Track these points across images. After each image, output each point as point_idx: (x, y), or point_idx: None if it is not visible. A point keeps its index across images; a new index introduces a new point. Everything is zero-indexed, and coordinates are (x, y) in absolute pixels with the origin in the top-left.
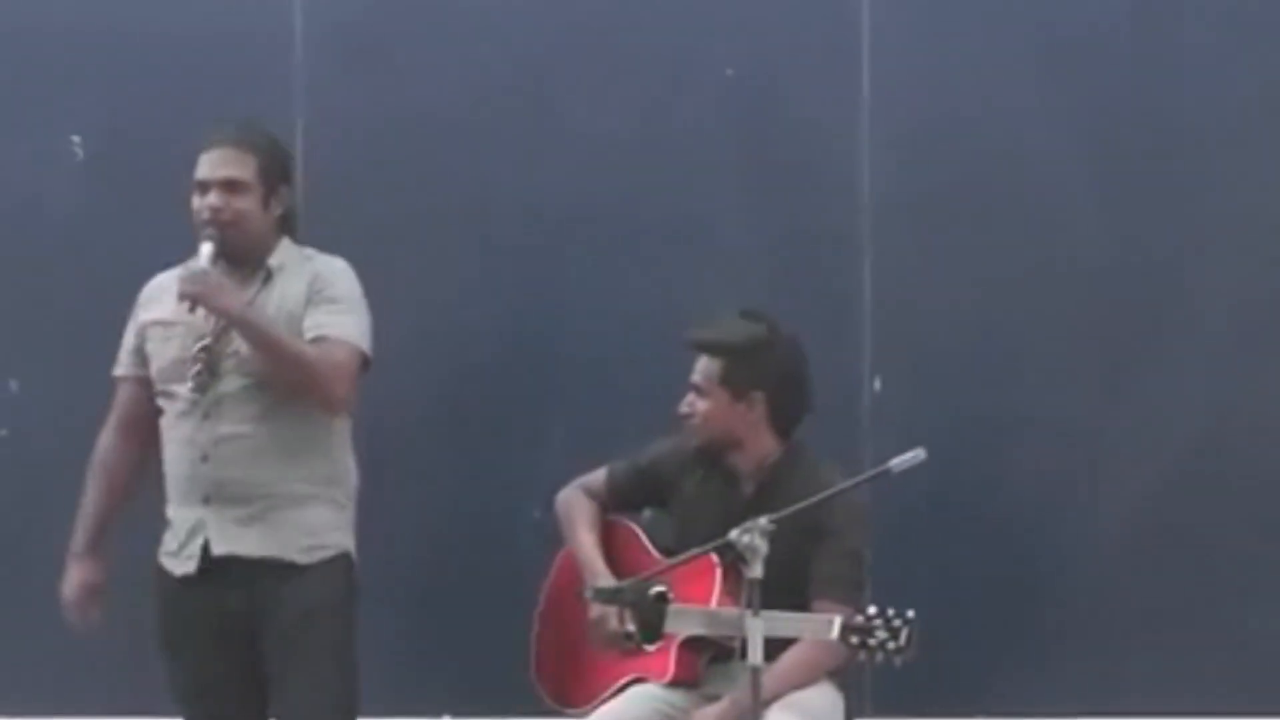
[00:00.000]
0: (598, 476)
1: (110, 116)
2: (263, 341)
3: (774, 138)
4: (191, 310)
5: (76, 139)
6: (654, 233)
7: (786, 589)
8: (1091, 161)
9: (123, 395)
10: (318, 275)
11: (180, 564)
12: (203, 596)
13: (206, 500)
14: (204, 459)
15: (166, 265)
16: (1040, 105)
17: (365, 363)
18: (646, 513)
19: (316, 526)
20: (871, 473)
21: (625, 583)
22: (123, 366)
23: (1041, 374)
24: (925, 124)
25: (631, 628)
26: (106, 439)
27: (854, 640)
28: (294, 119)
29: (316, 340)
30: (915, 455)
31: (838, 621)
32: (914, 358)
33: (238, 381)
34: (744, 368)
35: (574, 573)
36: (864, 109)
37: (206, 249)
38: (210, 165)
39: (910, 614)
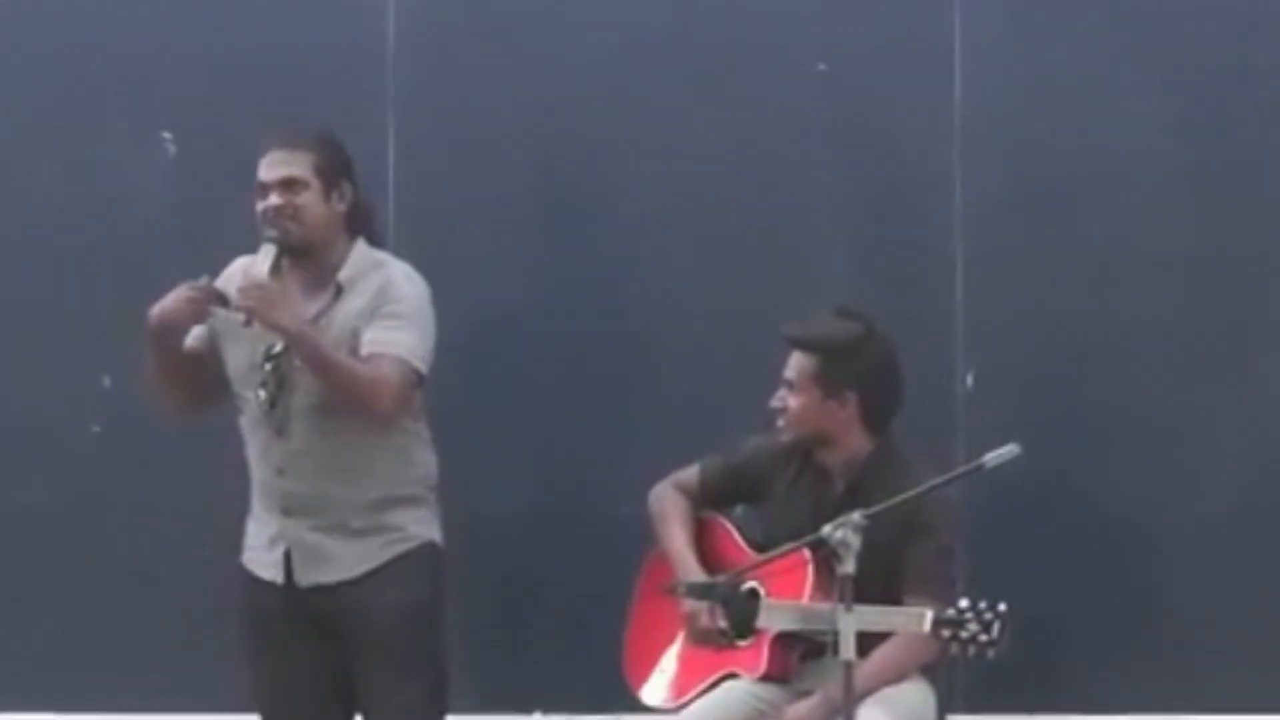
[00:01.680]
0: (690, 473)
1: (202, 114)
2: (315, 360)
3: (865, 132)
4: (247, 324)
5: (168, 135)
6: (744, 229)
7: (878, 584)
8: (1186, 152)
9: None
10: (384, 287)
11: (265, 569)
12: (286, 598)
13: (285, 512)
14: (280, 473)
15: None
16: (1134, 100)
17: (420, 379)
18: (739, 509)
19: (394, 524)
20: (965, 469)
21: (717, 578)
22: (193, 338)
23: (1137, 367)
24: (1018, 117)
25: (724, 623)
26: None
27: (946, 634)
28: (386, 124)
29: (370, 357)
30: (1009, 450)
31: (929, 615)
32: (1007, 352)
33: (309, 396)
34: (838, 366)
35: (666, 569)
36: (956, 103)
37: (268, 254)
38: (266, 168)
39: (1002, 607)
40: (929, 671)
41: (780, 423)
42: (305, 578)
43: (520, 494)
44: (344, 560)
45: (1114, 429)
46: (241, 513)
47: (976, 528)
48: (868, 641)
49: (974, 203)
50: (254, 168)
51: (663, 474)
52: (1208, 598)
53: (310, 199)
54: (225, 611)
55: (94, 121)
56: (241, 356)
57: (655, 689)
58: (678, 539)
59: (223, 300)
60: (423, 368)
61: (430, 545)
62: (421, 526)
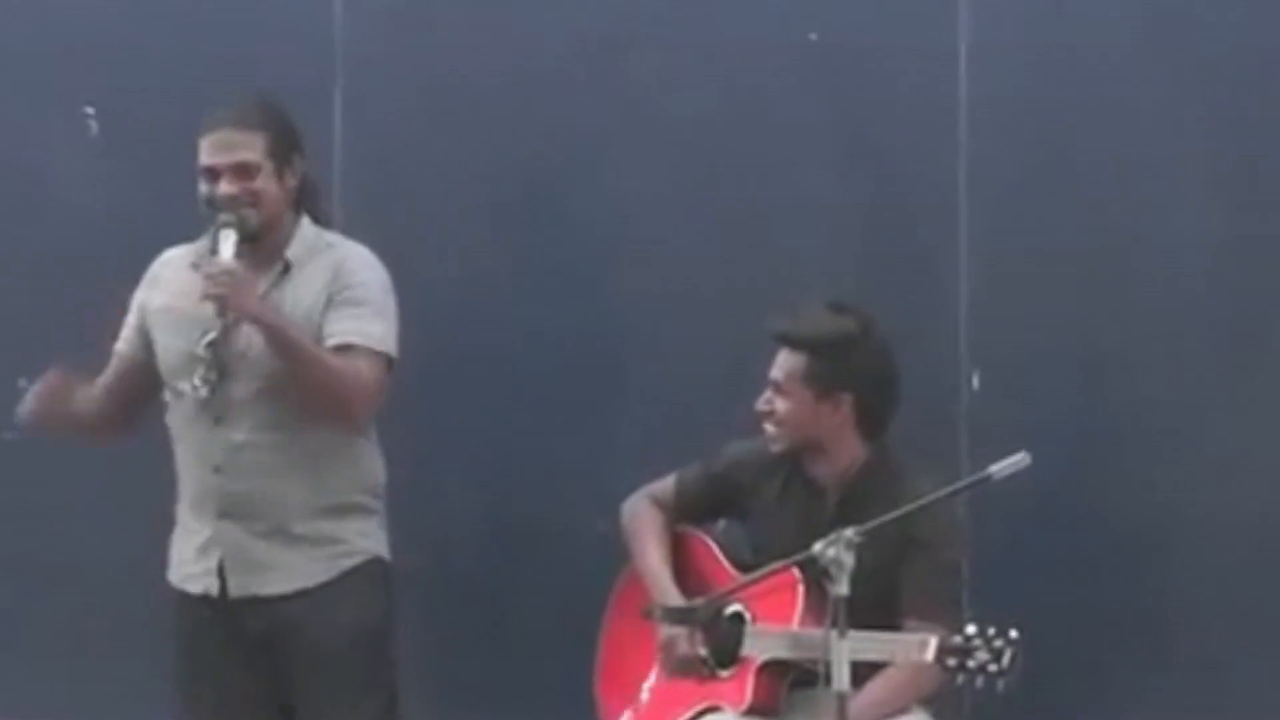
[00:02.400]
0: (666, 485)
1: (127, 87)
2: (291, 352)
3: (861, 110)
4: (221, 314)
5: (90, 110)
6: (731, 217)
7: (876, 607)
8: (1209, 139)
9: (116, 369)
10: (340, 270)
11: (195, 581)
12: (219, 615)
13: (222, 514)
14: (217, 470)
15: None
16: (1152, 85)
17: (390, 367)
18: (721, 524)
19: (342, 535)
20: (971, 479)
21: (697, 601)
22: (123, 342)
23: (1154, 370)
24: (1027, 95)
25: (704, 651)
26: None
27: (951, 662)
28: (332, 88)
29: (340, 349)
30: (1018, 460)
31: (933, 643)
32: (1015, 353)
33: (251, 384)
34: (831, 366)
35: (640, 590)
36: (960, 78)
37: (229, 240)
38: (216, 150)
39: (1014, 633)
40: (932, 702)
41: (767, 428)
42: (239, 588)
43: (488, 507)
44: (282, 570)
45: (1129, 435)
46: (168, 519)
47: (982, 543)
48: (864, 670)
49: (980, 191)
50: (183, 146)
51: (640, 486)
52: (1229, 615)
53: (265, 182)
54: (149, 620)
55: (7, 96)
56: (175, 346)
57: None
58: (652, 557)
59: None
60: (394, 356)
61: (378, 561)
62: (368, 540)
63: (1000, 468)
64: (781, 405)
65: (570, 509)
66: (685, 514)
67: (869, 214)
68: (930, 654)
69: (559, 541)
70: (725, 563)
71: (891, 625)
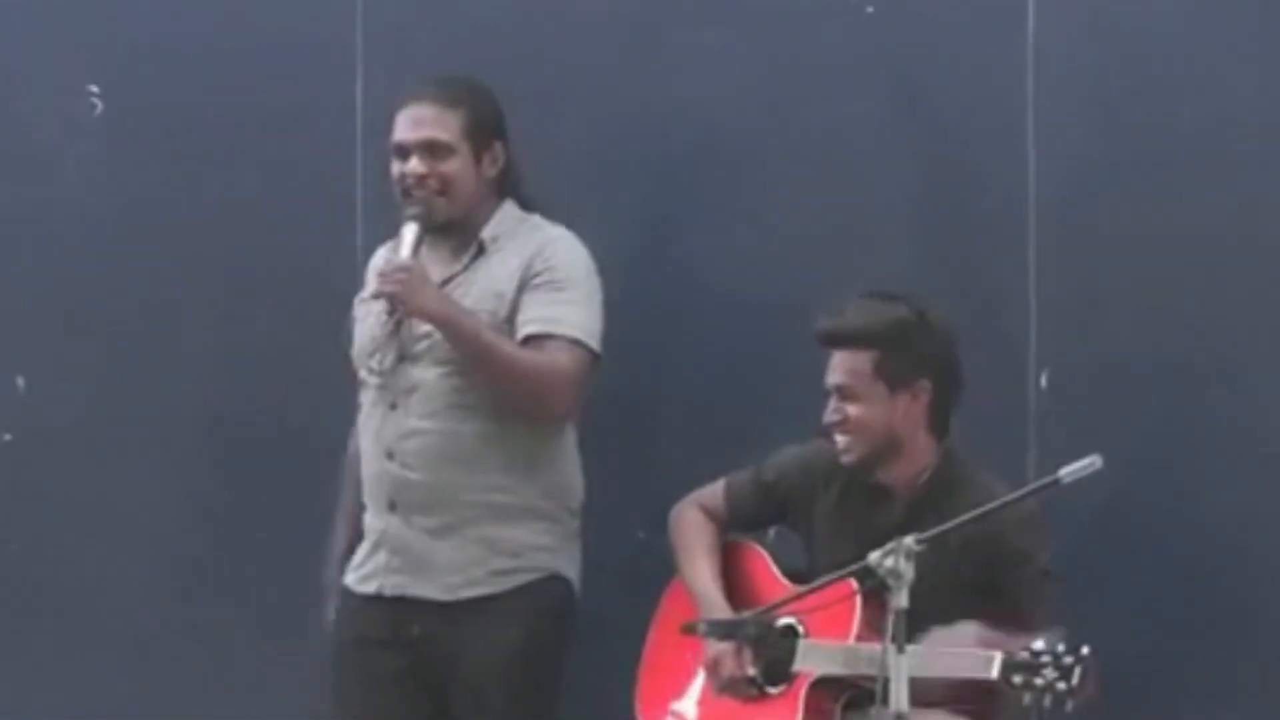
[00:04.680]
0: (715, 491)
1: (132, 66)
2: (475, 348)
3: (921, 92)
4: (391, 313)
5: (95, 89)
6: (783, 206)
7: (942, 621)
8: None
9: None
10: (540, 252)
11: (362, 581)
12: (383, 621)
13: (392, 506)
14: (389, 456)
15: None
16: (1238, 58)
17: (595, 362)
18: (771, 532)
19: (520, 545)
20: (1039, 484)
21: (744, 615)
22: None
23: (1238, 369)
24: (1102, 74)
25: (753, 670)
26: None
27: (1018, 680)
28: (353, 65)
29: (535, 339)
30: (1089, 463)
31: (999, 659)
32: (1086, 349)
33: (433, 369)
34: (902, 355)
35: (688, 602)
36: (1028, 55)
37: (410, 233)
38: (408, 125)
39: (1085, 650)
40: None
41: (839, 439)
42: (397, 587)
43: None
44: (445, 572)
45: (1210, 440)
46: (162, 524)
47: (1051, 552)
48: (922, 689)
49: (1050, 181)
50: (188, 125)
51: (685, 494)
52: None
53: (458, 167)
54: (139, 629)
55: (11, 75)
56: (365, 334)
57: None
58: (701, 570)
59: None
60: (598, 351)
61: (558, 579)
62: (549, 554)
63: (1070, 471)
64: (854, 410)
65: (610, 517)
66: (736, 522)
67: (931, 205)
68: (996, 671)
69: (598, 551)
70: (779, 574)
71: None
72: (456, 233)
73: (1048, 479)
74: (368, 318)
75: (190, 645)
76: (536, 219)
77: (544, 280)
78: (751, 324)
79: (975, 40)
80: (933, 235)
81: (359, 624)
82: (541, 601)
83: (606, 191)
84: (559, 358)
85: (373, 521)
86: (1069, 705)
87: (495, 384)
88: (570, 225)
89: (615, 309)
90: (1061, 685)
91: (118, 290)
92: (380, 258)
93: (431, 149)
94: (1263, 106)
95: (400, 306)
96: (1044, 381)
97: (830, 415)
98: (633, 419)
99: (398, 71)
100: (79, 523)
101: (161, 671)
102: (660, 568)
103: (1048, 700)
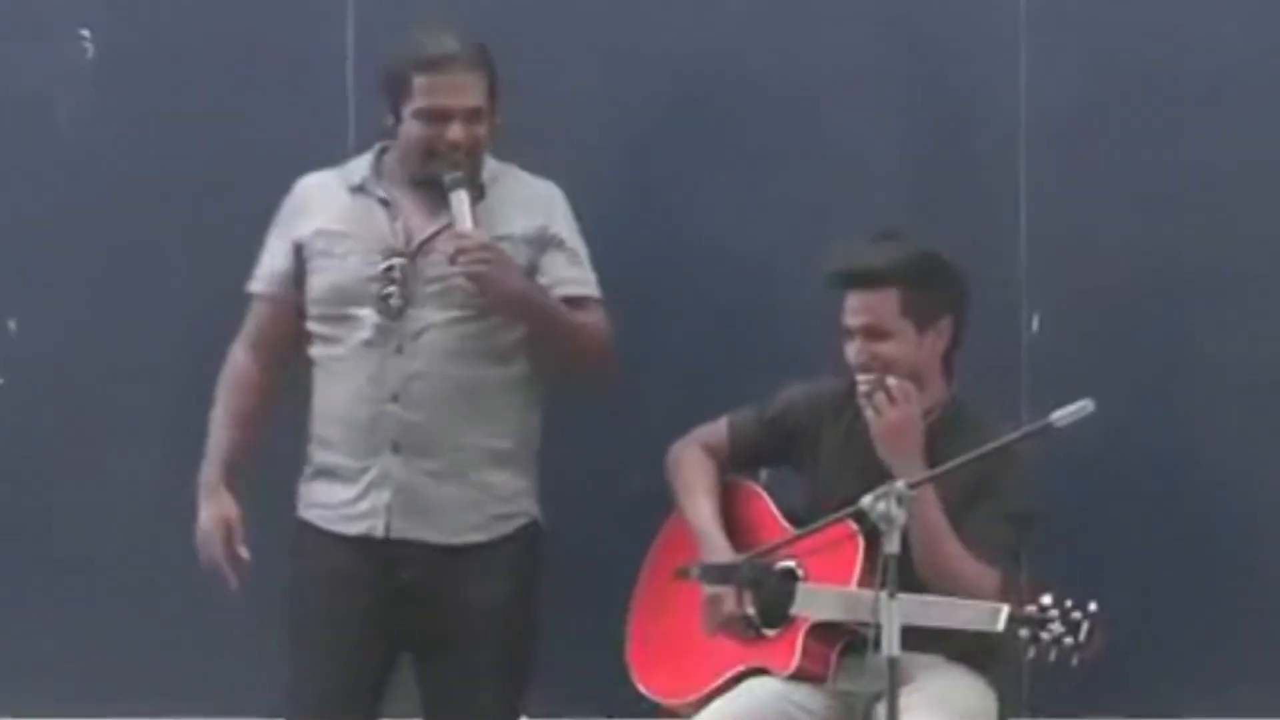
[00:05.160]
0: (718, 429)
1: (124, 10)
2: (549, 324)
3: (915, 44)
4: (481, 294)
5: (86, 33)
6: (778, 156)
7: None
8: None
9: (260, 315)
10: (550, 207)
11: (354, 522)
12: (373, 562)
13: (396, 448)
14: (394, 399)
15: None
16: (1222, 3)
17: None
18: (763, 473)
19: (512, 490)
20: (1030, 427)
21: (740, 558)
22: (263, 283)
23: (1233, 311)
24: (1091, 22)
25: (752, 610)
26: (238, 356)
27: (1024, 634)
28: (344, 17)
29: (573, 300)
30: (1081, 407)
31: (1005, 611)
32: (1078, 292)
33: (445, 313)
34: (926, 291)
35: (684, 543)
36: (1020, 7)
37: (463, 202)
38: (449, 91)
39: (1093, 606)
40: (991, 671)
41: (864, 379)
42: (402, 530)
43: None
44: (449, 515)
45: (1204, 384)
46: (165, 472)
47: (1043, 494)
48: (925, 634)
49: (1040, 124)
50: (180, 70)
51: (682, 434)
52: None
53: (485, 131)
54: (130, 572)
55: (1, 20)
56: (349, 270)
57: (663, 683)
58: (703, 509)
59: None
60: None
61: (536, 524)
62: (528, 499)
63: (1062, 415)
64: (883, 349)
65: (606, 463)
66: (738, 460)
67: (922, 150)
68: (1001, 624)
69: (593, 497)
70: (779, 516)
71: None
72: (439, 183)
73: (1040, 422)
74: (345, 257)
75: (182, 589)
76: (515, 169)
77: (565, 241)
78: (745, 268)
79: None
80: (923, 180)
81: (335, 563)
82: (528, 547)
83: (598, 136)
84: (603, 321)
85: (362, 464)
86: (1075, 661)
87: (561, 353)
88: (564, 170)
89: (610, 256)
90: (1069, 640)
91: (109, 235)
92: (310, 185)
93: (474, 115)
94: (1257, 42)
95: (488, 287)
96: (1035, 324)
97: (858, 356)
98: (626, 365)
99: (390, 12)
100: (72, 465)
101: (154, 615)
102: (654, 513)
103: (1053, 654)
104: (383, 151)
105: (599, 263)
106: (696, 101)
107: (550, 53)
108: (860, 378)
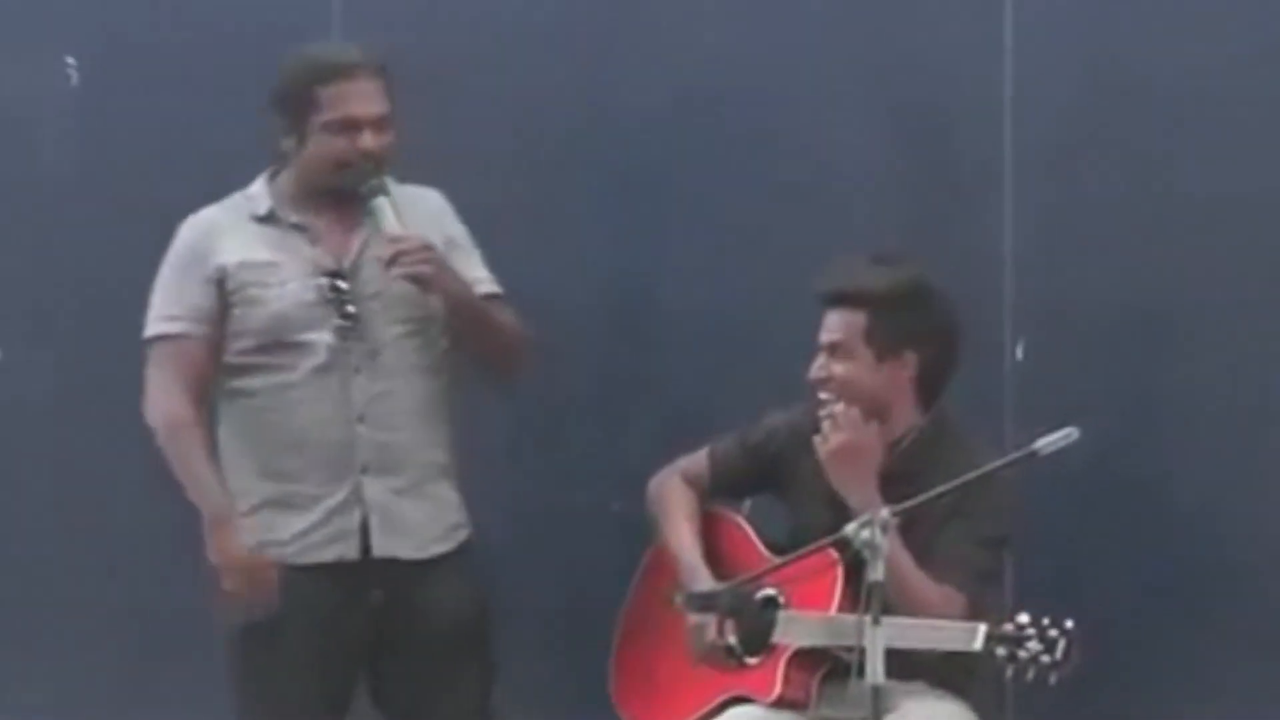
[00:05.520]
0: (698, 459)
1: (109, 37)
2: (477, 317)
3: (900, 59)
4: (428, 292)
5: (71, 60)
6: (761, 175)
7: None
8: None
9: (190, 355)
10: (443, 214)
11: (327, 548)
12: (344, 585)
13: (365, 469)
14: (361, 419)
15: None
16: (1214, 16)
17: None
18: (747, 503)
19: (455, 501)
20: (1015, 455)
21: (722, 586)
22: (186, 323)
23: (1219, 340)
24: (1078, 39)
25: (733, 639)
26: (175, 405)
27: (1001, 652)
28: (329, 35)
29: (486, 299)
30: (1066, 435)
31: (982, 630)
32: (1062, 320)
33: (394, 328)
34: (894, 321)
35: (667, 573)
36: (1007, 24)
37: (386, 207)
38: (359, 100)
39: (1069, 624)
40: (972, 696)
41: (824, 398)
42: (382, 548)
43: (500, 487)
44: (419, 530)
45: (1189, 411)
46: (139, 495)
47: (1027, 525)
48: (905, 660)
49: (1026, 149)
50: (164, 97)
51: (665, 463)
52: None
53: (392, 137)
54: (112, 600)
55: None
56: (289, 298)
57: (648, 713)
58: (684, 538)
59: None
60: None
61: (470, 535)
62: (466, 511)
63: (1047, 443)
64: (840, 369)
65: (585, 489)
66: (720, 490)
67: (907, 178)
68: (979, 643)
69: (574, 523)
70: (759, 545)
71: None
72: (347, 201)
73: (1024, 450)
74: (283, 285)
75: (163, 619)
76: (396, 185)
77: (463, 244)
78: (726, 291)
79: (952, 6)
80: (908, 205)
81: (303, 601)
82: (475, 557)
83: (582, 153)
84: (515, 316)
85: (325, 490)
86: (1052, 678)
87: (488, 349)
88: (545, 182)
89: (590, 279)
90: (1046, 658)
91: (95, 261)
92: (212, 219)
93: (384, 123)
94: (1244, 65)
95: (432, 285)
96: (1019, 352)
97: (816, 371)
98: (608, 391)
99: (374, 36)
100: (57, 494)
101: (134, 645)
102: (636, 540)
103: (1030, 673)
104: (274, 175)
105: (581, 287)
106: (678, 121)
107: (529, 69)
108: (821, 396)
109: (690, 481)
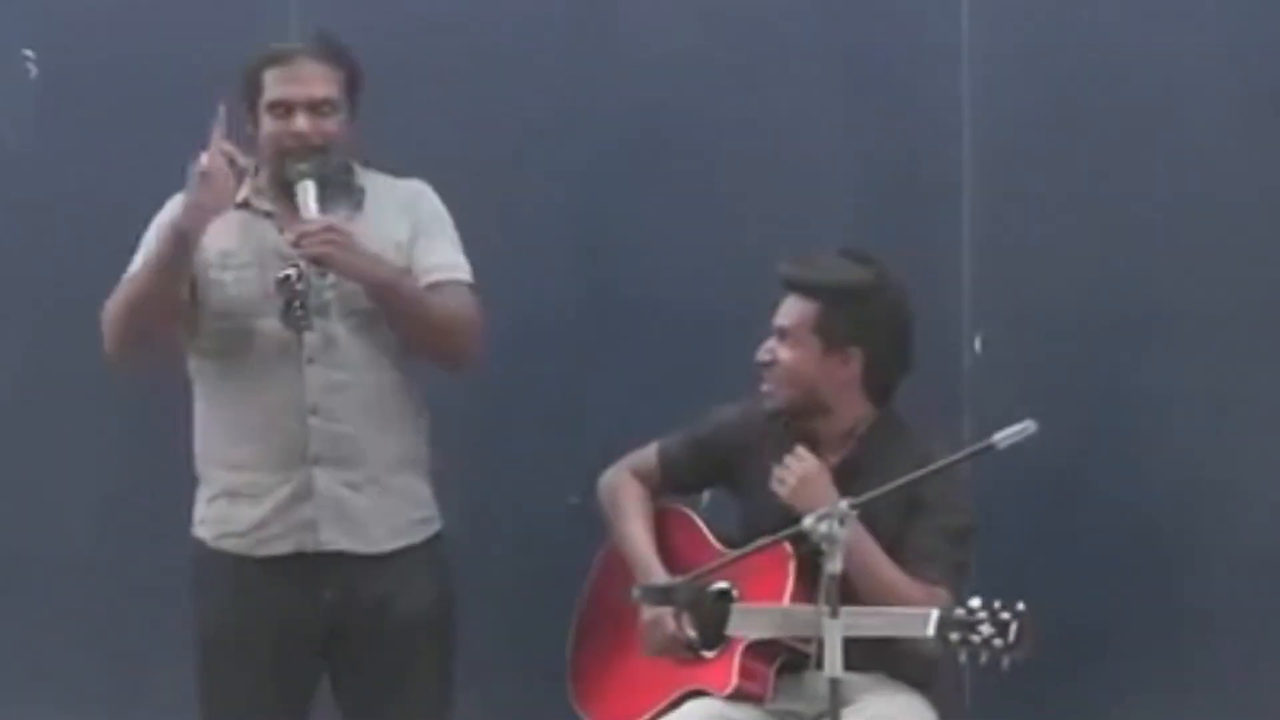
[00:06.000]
0: (647, 454)
1: (68, 31)
2: (398, 300)
3: (860, 53)
4: (323, 275)
5: (30, 54)
6: (722, 168)
7: (865, 579)
8: (1242, 78)
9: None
10: (419, 200)
11: (281, 541)
12: (297, 578)
13: (317, 460)
14: (313, 412)
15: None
16: (1172, 19)
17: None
18: (706, 495)
19: (422, 496)
20: (973, 448)
21: (677, 580)
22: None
23: (1177, 334)
24: (1036, 34)
25: (692, 632)
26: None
27: (954, 637)
28: (288, 26)
29: (437, 286)
30: (1024, 428)
31: (935, 615)
32: (1021, 313)
33: (348, 321)
34: (844, 316)
35: (621, 569)
36: (964, 20)
37: (309, 192)
38: (291, 81)
39: (1020, 606)
40: (931, 688)
41: (765, 381)
42: (330, 542)
43: (458, 480)
44: (374, 524)
45: (1146, 405)
46: (96, 495)
47: (984, 515)
48: (864, 652)
49: (984, 144)
50: (124, 91)
51: (618, 458)
52: (1254, 605)
53: (337, 125)
54: (71, 603)
55: None
56: (250, 290)
57: (604, 709)
58: (636, 534)
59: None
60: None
61: (442, 533)
62: (434, 506)
63: (1004, 436)
64: (785, 355)
65: (541, 484)
66: (670, 484)
67: (865, 174)
68: (932, 628)
69: (530, 518)
70: (711, 538)
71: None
72: (331, 188)
73: (982, 444)
74: (241, 273)
75: (122, 621)
76: (384, 176)
77: (431, 230)
78: (684, 291)
79: (911, 4)
80: (867, 201)
81: (262, 595)
82: (442, 551)
83: (548, 158)
84: (466, 303)
85: (277, 480)
86: (1005, 662)
87: (416, 334)
88: (506, 181)
89: (551, 273)
90: (998, 642)
91: (54, 256)
92: (179, 203)
93: (320, 106)
94: (1203, 67)
95: (334, 266)
96: (978, 345)
97: (763, 354)
98: (565, 385)
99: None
100: (15, 494)
101: (95, 646)
102: (593, 533)
103: (984, 657)
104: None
105: (542, 281)
106: (642, 122)
107: (492, 72)
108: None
109: (641, 476)
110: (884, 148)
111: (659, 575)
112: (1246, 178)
